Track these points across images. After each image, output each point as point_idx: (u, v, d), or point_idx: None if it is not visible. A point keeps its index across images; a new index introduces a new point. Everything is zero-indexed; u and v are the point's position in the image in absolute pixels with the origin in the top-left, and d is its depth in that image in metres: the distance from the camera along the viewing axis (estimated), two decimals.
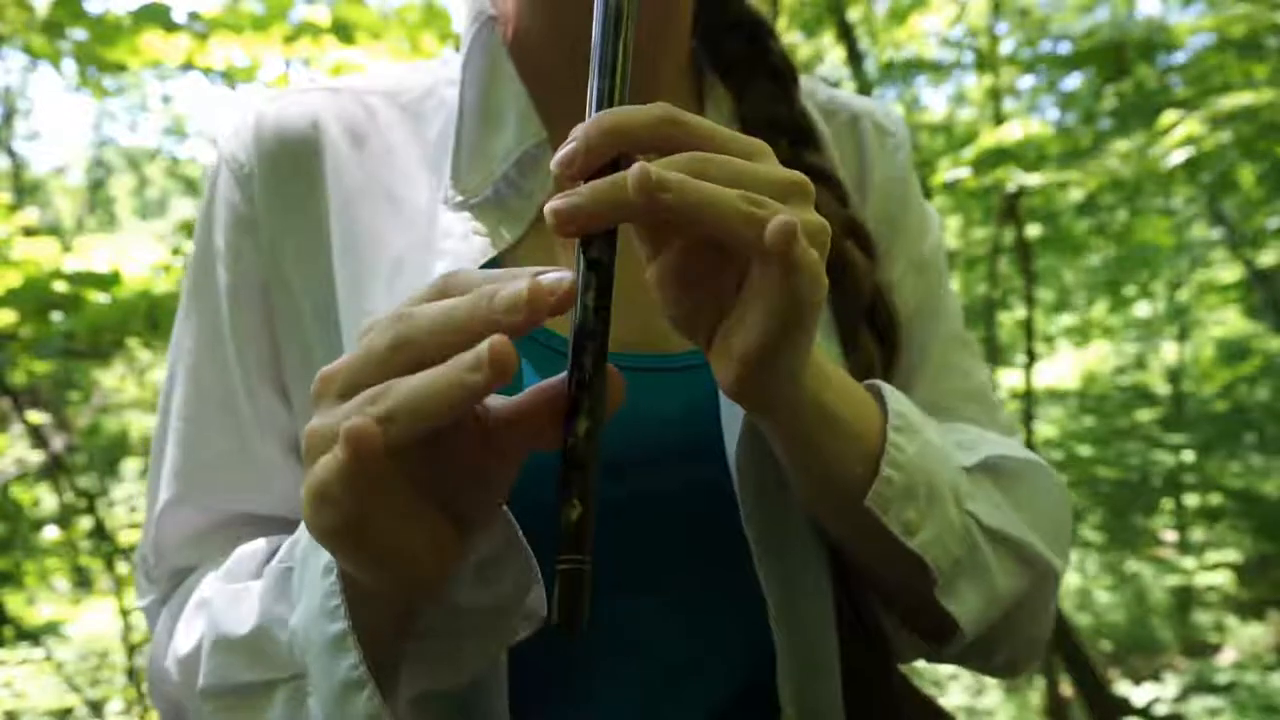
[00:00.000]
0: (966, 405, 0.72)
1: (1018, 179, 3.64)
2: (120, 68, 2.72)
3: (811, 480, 0.55)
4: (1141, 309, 7.04)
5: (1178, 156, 3.22)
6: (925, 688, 0.68)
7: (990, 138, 3.78)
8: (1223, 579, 6.06)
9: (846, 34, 4.24)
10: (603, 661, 0.60)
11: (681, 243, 0.45)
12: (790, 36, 4.48)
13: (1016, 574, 0.61)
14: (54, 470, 3.76)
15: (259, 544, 0.60)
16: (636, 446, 0.58)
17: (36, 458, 4.20)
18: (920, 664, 0.69)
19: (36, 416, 3.45)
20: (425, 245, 0.61)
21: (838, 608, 0.61)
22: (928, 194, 0.78)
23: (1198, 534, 6.79)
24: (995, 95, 4.96)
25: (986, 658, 0.66)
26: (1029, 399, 4.97)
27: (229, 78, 2.73)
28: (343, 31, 2.65)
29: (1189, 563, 6.19)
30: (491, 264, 0.60)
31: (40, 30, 2.58)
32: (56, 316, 2.55)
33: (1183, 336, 7.38)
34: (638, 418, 0.53)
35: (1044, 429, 6.09)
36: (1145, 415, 6.52)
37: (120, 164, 9.63)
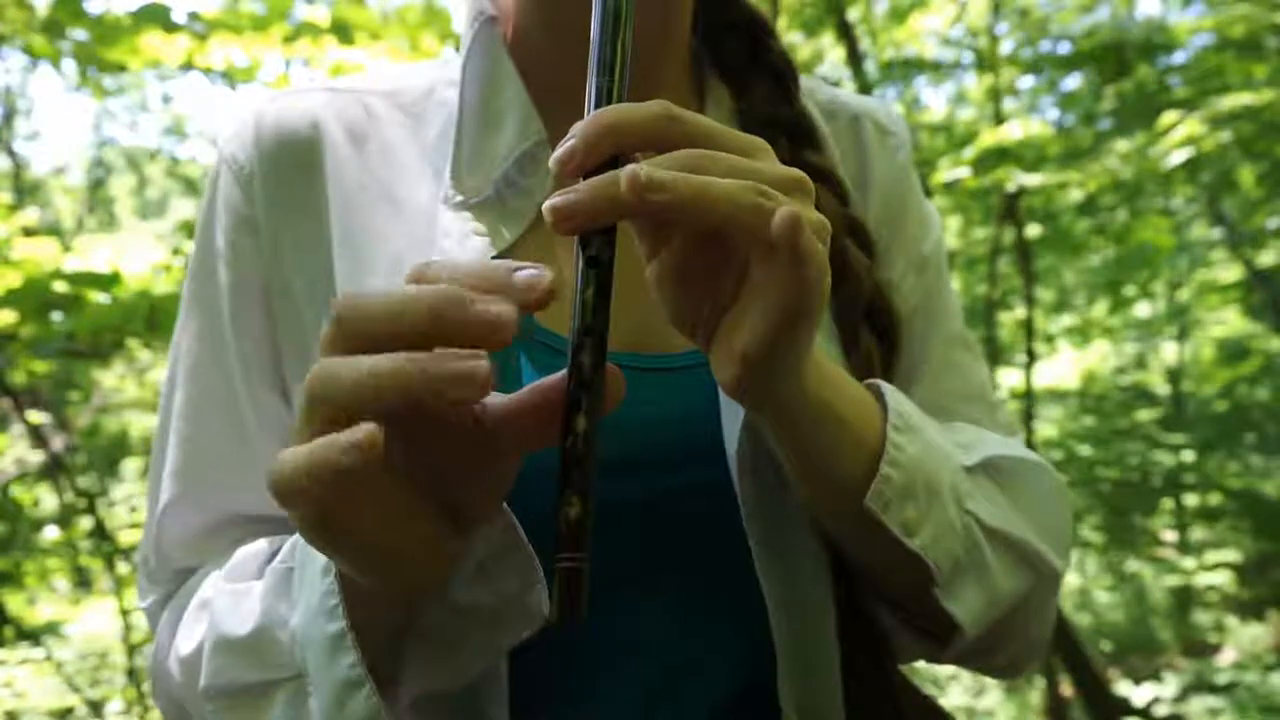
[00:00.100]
0: (967, 405, 0.72)
1: (1018, 179, 3.64)
2: (120, 68, 2.72)
3: (811, 480, 0.55)
4: (1141, 309, 7.04)
5: (1178, 157, 3.22)
6: (925, 688, 0.68)
7: (990, 138, 3.78)
8: (1223, 579, 6.06)
9: (846, 34, 4.24)
10: (602, 661, 0.60)
11: (681, 241, 0.45)
12: (790, 36, 4.49)
13: (1017, 574, 0.61)
14: (54, 470, 3.77)
15: (260, 544, 0.60)
16: (636, 446, 0.58)
17: (36, 458, 4.20)
18: (920, 664, 0.69)
19: (36, 416, 3.45)
20: (425, 245, 0.61)
21: (838, 607, 0.61)
22: (928, 194, 0.78)
23: (1198, 534, 6.79)
24: (995, 95, 4.96)
25: (987, 658, 0.66)
26: (1029, 399, 4.97)
27: (229, 78, 2.73)
28: (342, 32, 2.65)
29: (1189, 563, 6.19)
30: None
31: (40, 30, 2.59)
32: (56, 316, 2.55)
33: (1183, 336, 7.38)
34: (637, 418, 0.53)
35: (1044, 429, 6.09)
36: (1145, 415, 6.52)
37: (120, 164, 9.63)
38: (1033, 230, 4.94)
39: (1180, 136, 3.18)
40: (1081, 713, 4.64)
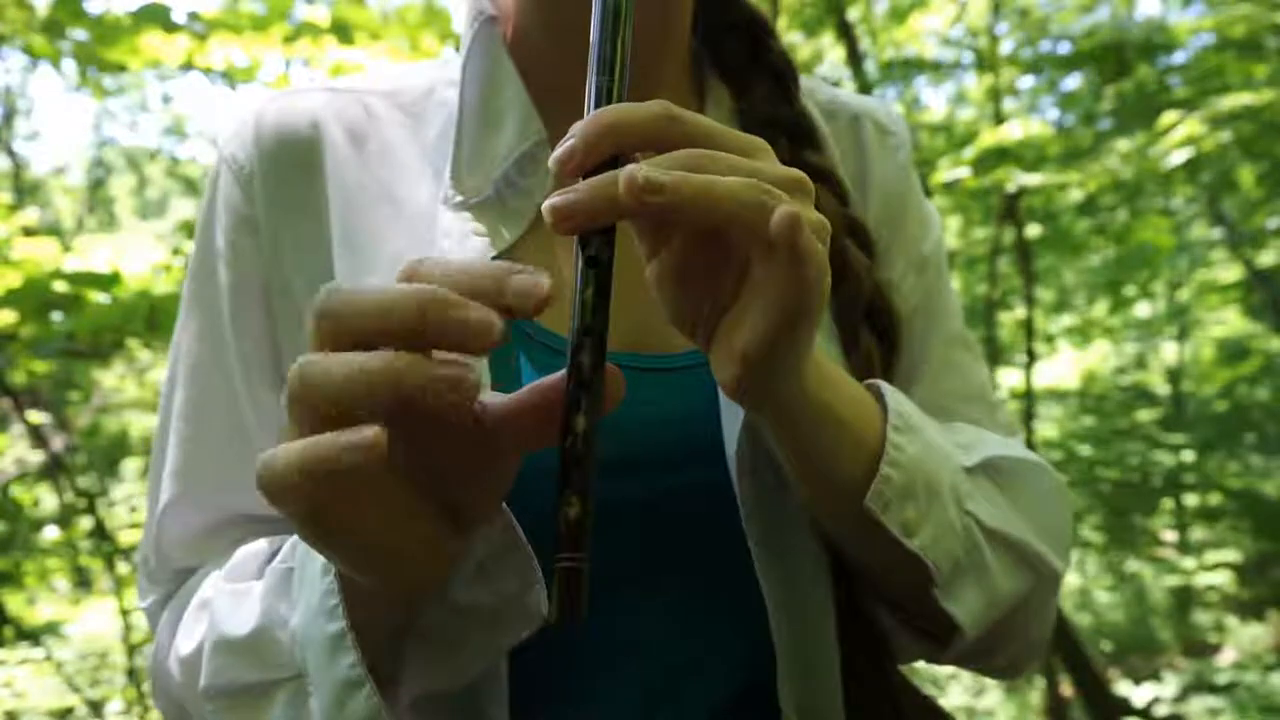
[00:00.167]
0: (967, 405, 0.72)
1: (1018, 179, 3.64)
2: (120, 68, 2.72)
3: (811, 480, 0.55)
4: (1141, 309, 7.04)
5: (1178, 157, 3.22)
6: (925, 688, 0.68)
7: (990, 138, 3.78)
8: (1223, 579, 6.06)
9: (846, 34, 4.24)
10: (603, 662, 0.60)
11: (681, 241, 0.45)
12: (790, 36, 4.49)
13: (1017, 575, 0.61)
14: (54, 470, 3.77)
15: (260, 544, 0.60)
16: (636, 447, 0.58)
17: (36, 458, 4.20)
18: (920, 664, 0.69)
19: (36, 416, 3.45)
20: (425, 245, 0.61)
21: (838, 608, 0.61)
22: (928, 194, 0.78)
23: (1198, 534, 6.79)
24: (995, 95, 4.96)
25: (987, 659, 0.66)
26: (1029, 399, 4.97)
27: (229, 78, 2.73)
28: (342, 32, 2.65)
29: (1189, 563, 6.19)
30: None
31: (40, 30, 2.59)
32: (56, 316, 2.55)
33: (1183, 336, 7.38)
34: (637, 418, 0.53)
35: (1044, 429, 6.08)
36: (1145, 415, 6.52)
37: (120, 164, 9.63)
38: (1033, 230, 4.93)
39: (1180, 136, 3.19)
40: (1081, 713, 4.64)
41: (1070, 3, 4.83)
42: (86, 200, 8.24)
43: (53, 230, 5.50)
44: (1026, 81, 5.37)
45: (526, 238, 0.62)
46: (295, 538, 0.54)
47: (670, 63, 0.68)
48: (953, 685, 5.17)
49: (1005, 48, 5.07)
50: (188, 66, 2.66)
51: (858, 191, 0.72)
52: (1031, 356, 5.10)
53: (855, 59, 4.26)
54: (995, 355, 5.32)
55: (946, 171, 3.82)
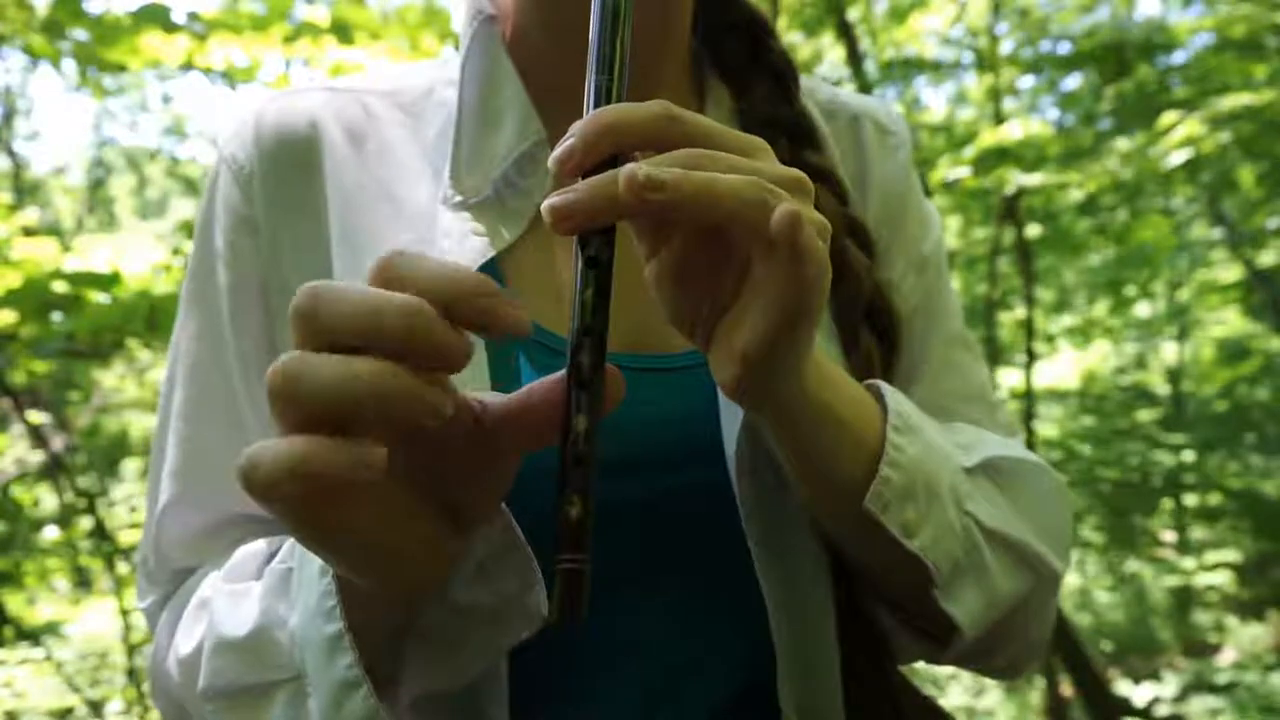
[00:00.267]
0: (967, 405, 0.72)
1: (1018, 180, 3.64)
2: (120, 68, 2.72)
3: (811, 480, 0.55)
4: (1141, 309, 7.04)
5: (1178, 157, 3.22)
6: (925, 688, 0.68)
7: (990, 138, 3.78)
8: (1223, 579, 6.06)
9: (846, 34, 4.24)
10: (602, 662, 0.60)
11: (680, 240, 0.45)
12: (790, 36, 4.48)
13: (1016, 575, 0.61)
14: (54, 470, 3.77)
15: (259, 545, 0.60)
16: (635, 447, 0.58)
17: (36, 458, 4.20)
18: (920, 664, 0.69)
19: (36, 416, 3.45)
20: (424, 245, 0.61)
21: (838, 608, 0.61)
22: (928, 193, 0.78)
23: (1198, 534, 6.79)
24: (995, 95, 4.96)
25: (986, 659, 0.66)
26: (1029, 399, 4.97)
27: (229, 78, 2.73)
28: (342, 32, 2.65)
29: (1189, 563, 6.19)
30: (490, 264, 0.60)
31: (40, 30, 2.59)
32: (56, 316, 2.56)
33: (1183, 336, 7.38)
34: (637, 418, 0.53)
35: (1044, 429, 6.08)
36: (1145, 415, 6.52)
37: (120, 164, 9.63)
38: (1033, 230, 4.94)
39: (1180, 137, 3.19)
40: (1081, 713, 4.64)
41: (1070, 3, 4.83)
42: (86, 200, 8.24)
43: (53, 230, 5.50)
44: (1026, 81, 5.38)
45: (526, 238, 0.62)
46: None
47: (670, 62, 0.68)
48: (953, 685, 5.17)
49: (1005, 48, 5.08)
50: (188, 66, 2.66)
51: (858, 191, 0.72)
52: (1031, 356, 5.11)
53: (855, 59, 4.26)
54: (995, 355, 5.32)
55: (946, 171, 3.82)
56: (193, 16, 2.55)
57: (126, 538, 3.40)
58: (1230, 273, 6.25)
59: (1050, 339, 6.86)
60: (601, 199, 0.39)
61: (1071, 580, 6.27)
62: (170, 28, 2.52)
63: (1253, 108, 3.14)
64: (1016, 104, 5.43)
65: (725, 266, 0.44)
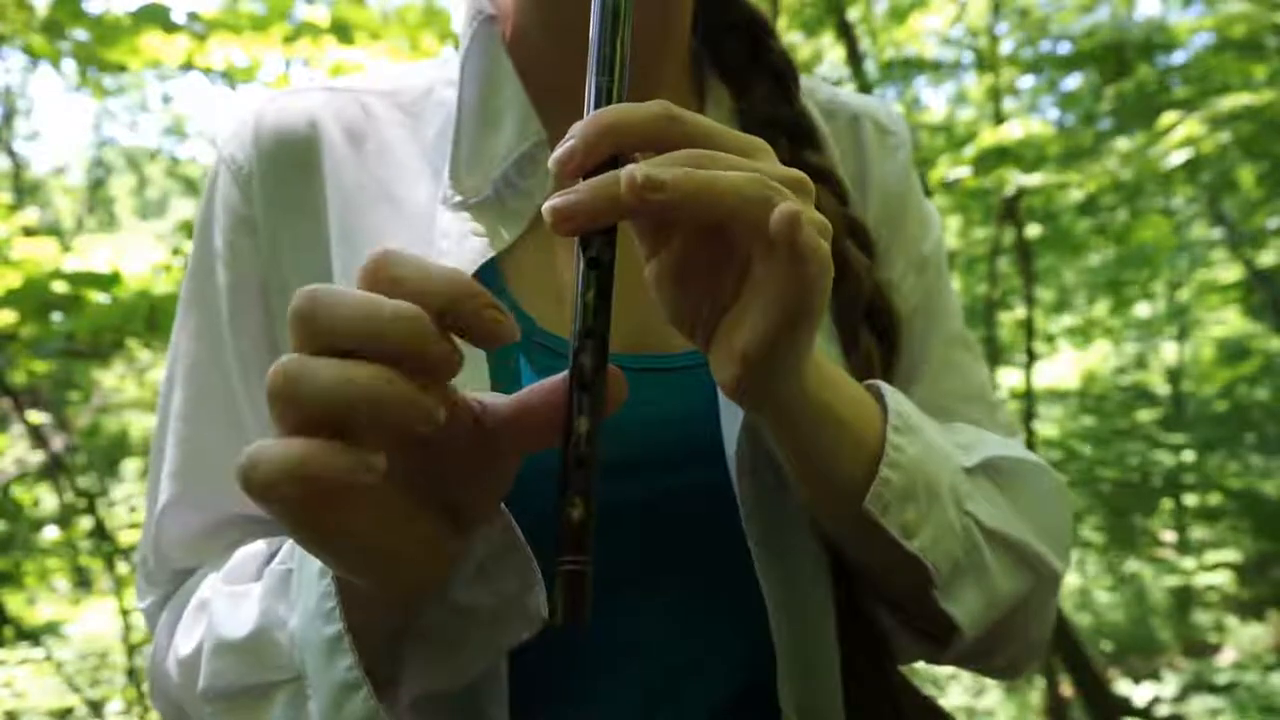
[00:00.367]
0: (967, 405, 0.72)
1: (1018, 180, 3.65)
2: (120, 68, 2.72)
3: (811, 480, 0.55)
4: (1141, 309, 7.04)
5: (1177, 157, 3.22)
6: (925, 688, 0.68)
7: (990, 137, 3.78)
8: (1223, 579, 6.06)
9: (846, 34, 4.24)
10: (603, 662, 0.60)
11: (680, 240, 0.45)
12: (790, 36, 4.48)
13: (1016, 575, 0.61)
14: (54, 470, 3.77)
15: (259, 545, 0.60)
16: (635, 447, 0.58)
17: (36, 458, 4.20)
18: (920, 664, 0.69)
19: (36, 416, 3.45)
20: (424, 245, 0.61)
21: (837, 608, 0.61)
22: (928, 193, 0.78)
23: (1198, 534, 6.79)
24: (995, 95, 4.96)
25: (986, 659, 0.66)
26: (1029, 399, 4.97)
27: (229, 78, 2.73)
28: (342, 32, 2.65)
29: (1189, 563, 6.19)
30: (490, 264, 0.60)
31: (40, 30, 2.59)
32: (56, 316, 2.56)
33: (1183, 336, 7.38)
34: (637, 418, 0.53)
35: (1044, 429, 6.08)
36: (1145, 415, 6.52)
37: (120, 164, 9.63)
38: (1033, 230, 4.94)
39: (1180, 137, 3.19)
40: (1081, 713, 4.64)
41: (1070, 3, 4.83)
42: (86, 200, 8.24)
43: (53, 230, 5.50)
44: (1026, 81, 5.38)
45: (526, 238, 0.62)
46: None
47: (670, 63, 0.68)
48: (953, 685, 5.17)
49: (1005, 48, 5.08)
50: (188, 66, 2.66)
51: (857, 191, 0.72)
52: (1031, 356, 5.11)
53: (855, 59, 4.26)
54: (995, 355, 5.32)
55: (946, 171, 3.82)
56: (193, 16, 2.55)
57: (126, 538, 3.40)
58: (1230, 273, 6.25)
59: (1050, 339, 6.86)
60: (603, 200, 0.39)
61: (1071, 580, 6.27)
62: (170, 28, 2.53)
63: (1253, 108, 3.14)
64: (1016, 104, 5.43)
65: (725, 266, 0.44)
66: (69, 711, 3.48)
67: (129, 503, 5.05)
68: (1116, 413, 6.52)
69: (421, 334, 0.37)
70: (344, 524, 0.39)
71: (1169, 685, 4.84)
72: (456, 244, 0.60)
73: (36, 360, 2.84)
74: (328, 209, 0.64)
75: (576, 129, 0.41)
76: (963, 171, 3.77)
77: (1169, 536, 6.91)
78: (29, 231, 2.82)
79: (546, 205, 0.39)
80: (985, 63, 5.05)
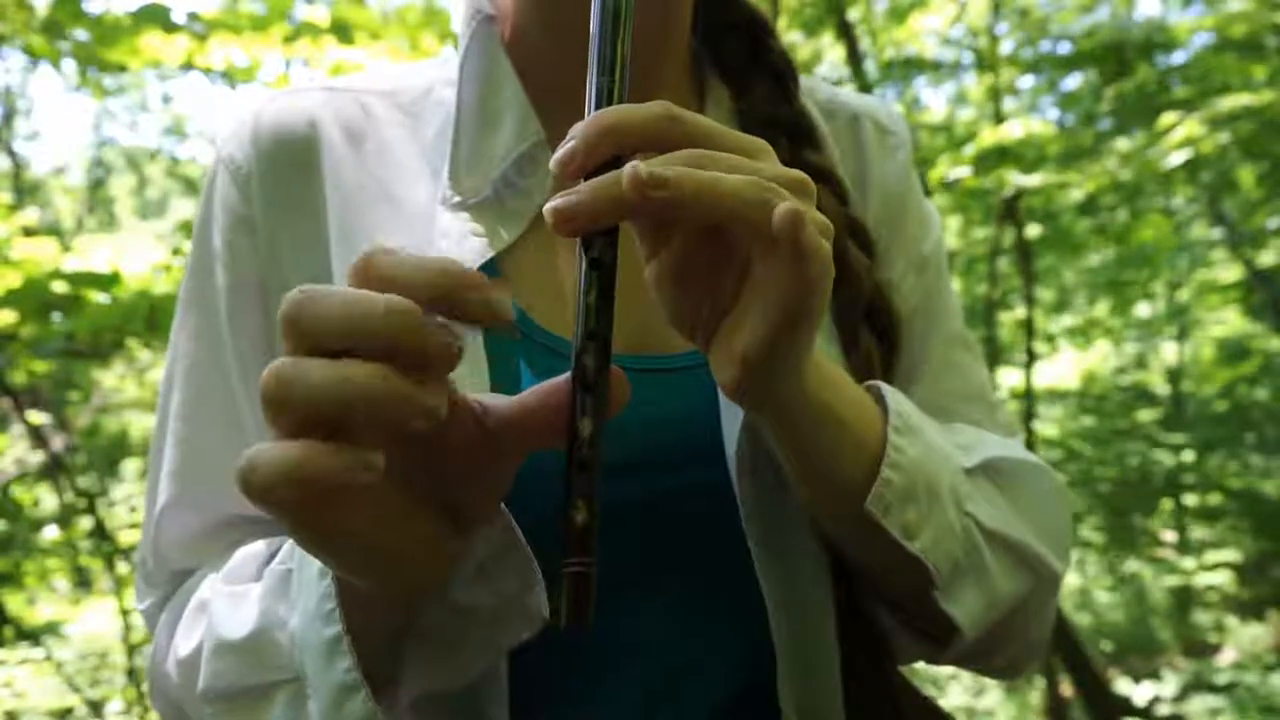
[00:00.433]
0: (967, 405, 0.72)
1: (1017, 180, 3.65)
2: (120, 68, 2.72)
3: (811, 481, 0.55)
4: (1141, 309, 7.04)
5: (1177, 157, 3.23)
6: (925, 688, 0.68)
7: (990, 137, 3.78)
8: (1223, 579, 6.06)
9: (846, 34, 4.24)
10: (603, 662, 0.60)
11: (680, 241, 0.45)
12: (790, 36, 4.48)
13: (1016, 576, 0.61)
14: (54, 470, 3.77)
15: (258, 546, 0.60)
16: (636, 448, 0.58)
17: (36, 458, 4.20)
18: (920, 664, 0.69)
19: (36, 416, 3.45)
20: (423, 245, 0.61)
21: (838, 608, 0.61)
22: (928, 193, 0.78)
23: (1198, 534, 6.79)
24: (995, 95, 4.97)
25: (986, 659, 0.66)
26: (1029, 399, 4.97)
27: (229, 78, 2.73)
28: (342, 32, 2.65)
29: (1189, 563, 6.19)
30: (490, 264, 0.60)
31: (40, 30, 2.59)
32: (56, 316, 2.56)
33: (1183, 336, 7.38)
34: (637, 419, 0.53)
35: (1044, 429, 6.08)
36: (1145, 415, 6.53)
37: (120, 164, 9.63)
38: (1033, 230, 4.94)
39: (1180, 137, 3.19)
40: (1081, 713, 4.64)
41: (1070, 3, 4.83)
42: (86, 200, 8.23)
43: (53, 230, 5.49)
44: (1026, 81, 5.38)
45: (525, 238, 0.62)
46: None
47: (670, 63, 0.68)
48: (953, 685, 5.17)
49: (1005, 48, 5.08)
50: (188, 66, 2.66)
51: (857, 191, 0.72)
52: (1031, 356, 5.11)
53: (855, 59, 4.26)
54: (995, 355, 5.32)
55: (946, 171, 3.82)
56: (193, 16, 2.55)
57: (126, 538, 3.41)
58: (1230, 273, 6.25)
59: (1050, 339, 6.86)
60: (604, 200, 0.39)
61: (1071, 580, 6.27)
62: (170, 28, 2.53)
63: (1253, 108, 3.14)
64: (1016, 104, 5.43)
65: (726, 267, 0.44)
66: (69, 711, 3.48)
67: (129, 503, 5.05)
68: (1116, 413, 6.52)
69: (413, 327, 0.37)
70: (343, 524, 0.39)
71: (1169, 685, 4.85)
72: (456, 244, 0.60)
73: (36, 360, 2.84)
74: (327, 209, 0.64)
75: (577, 130, 0.41)
76: (963, 171, 3.77)
77: (1169, 536, 6.91)
78: (29, 231, 2.83)
79: (548, 206, 0.39)
80: (985, 63, 5.06)
